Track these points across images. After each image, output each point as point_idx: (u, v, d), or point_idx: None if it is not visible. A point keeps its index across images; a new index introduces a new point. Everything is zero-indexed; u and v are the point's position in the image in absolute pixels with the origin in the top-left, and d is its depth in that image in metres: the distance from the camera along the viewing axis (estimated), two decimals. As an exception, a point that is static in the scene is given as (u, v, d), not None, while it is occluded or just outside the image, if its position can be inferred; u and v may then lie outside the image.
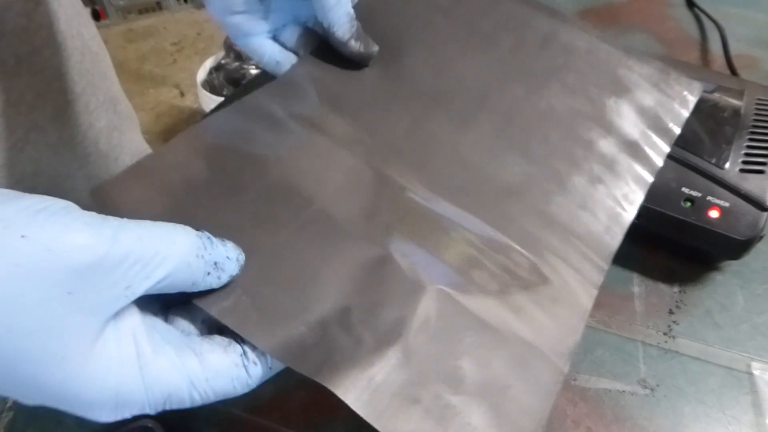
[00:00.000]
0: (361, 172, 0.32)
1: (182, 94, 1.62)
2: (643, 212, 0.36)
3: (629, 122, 0.35)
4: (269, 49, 0.38)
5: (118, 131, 0.58)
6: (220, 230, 0.26)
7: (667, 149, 0.35)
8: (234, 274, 0.25)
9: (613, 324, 0.36)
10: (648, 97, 0.37)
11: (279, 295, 0.26)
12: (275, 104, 0.35)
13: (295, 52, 0.39)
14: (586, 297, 0.29)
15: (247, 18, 0.37)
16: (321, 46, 0.38)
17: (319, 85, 0.36)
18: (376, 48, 0.37)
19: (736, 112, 0.38)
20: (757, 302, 0.37)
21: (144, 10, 1.80)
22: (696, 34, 0.55)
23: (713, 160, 0.35)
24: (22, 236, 0.20)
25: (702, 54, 0.53)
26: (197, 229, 0.24)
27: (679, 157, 0.36)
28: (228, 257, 0.25)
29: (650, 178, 0.34)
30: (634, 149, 0.34)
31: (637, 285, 0.37)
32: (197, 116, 1.51)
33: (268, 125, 0.34)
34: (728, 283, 0.38)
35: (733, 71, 0.50)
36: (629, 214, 0.33)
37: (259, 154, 0.32)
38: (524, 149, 0.35)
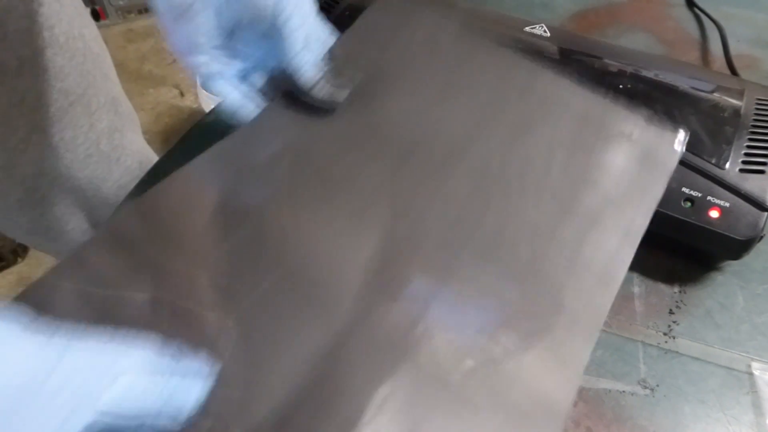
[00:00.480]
0: (327, 233, 0.31)
1: (182, 94, 1.62)
2: (643, 212, 0.36)
3: (612, 178, 0.34)
4: (232, 93, 0.36)
5: (119, 132, 0.58)
6: (173, 306, 0.25)
7: (653, 206, 0.33)
8: (200, 395, 0.22)
9: (613, 324, 0.36)
10: (631, 150, 0.35)
11: (217, 389, 0.23)
12: (239, 157, 0.33)
13: (262, 97, 0.37)
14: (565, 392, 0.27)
15: (212, 59, 0.36)
16: (292, 96, 0.36)
17: (287, 134, 0.35)
18: (344, 94, 0.36)
19: (736, 112, 0.38)
20: (757, 302, 0.37)
21: (144, 10, 1.80)
22: (696, 34, 0.55)
23: (713, 160, 0.35)
24: None
25: (702, 54, 0.53)
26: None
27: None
28: (197, 375, 0.22)
29: (638, 236, 0.31)
30: (618, 206, 0.33)
31: (637, 285, 0.37)
32: (197, 116, 1.51)
33: (233, 178, 0.32)
34: (728, 283, 0.38)
35: (733, 71, 0.50)
36: (619, 272, 0.31)
37: (222, 213, 0.30)
38: (501, 208, 0.33)
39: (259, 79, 0.37)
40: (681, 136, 0.36)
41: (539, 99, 0.37)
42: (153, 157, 0.66)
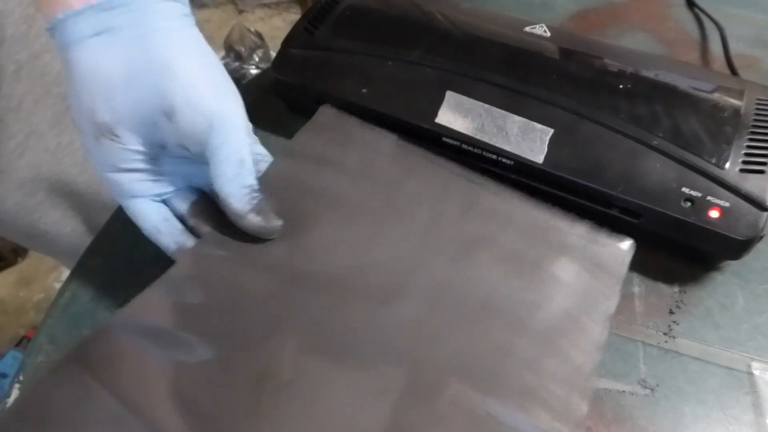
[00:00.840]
0: (265, 378, 0.29)
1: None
2: (643, 212, 0.36)
3: (562, 292, 0.33)
4: (153, 215, 0.34)
5: None
6: None
7: (608, 313, 0.33)
8: None
9: (612, 324, 0.36)
10: (578, 262, 0.35)
11: None
12: (169, 305, 0.31)
13: (183, 222, 0.35)
14: None
15: (134, 177, 0.33)
16: (221, 222, 0.34)
17: (219, 271, 0.33)
18: (278, 222, 0.34)
19: (736, 112, 0.38)
20: (757, 302, 0.37)
21: (144, 10, 1.80)
22: (696, 34, 0.55)
23: (713, 160, 0.35)
24: None
25: (702, 54, 0.53)
26: None
27: (679, 157, 0.36)
28: None
29: (598, 351, 0.31)
30: (572, 320, 0.32)
31: (637, 285, 0.37)
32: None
33: (159, 339, 0.30)
34: (728, 283, 0.38)
35: (733, 71, 0.50)
36: (590, 381, 0.30)
37: (150, 373, 0.29)
38: (452, 335, 0.32)
39: (182, 203, 0.35)
40: (628, 243, 0.36)
41: (484, 214, 0.37)
42: None
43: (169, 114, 0.31)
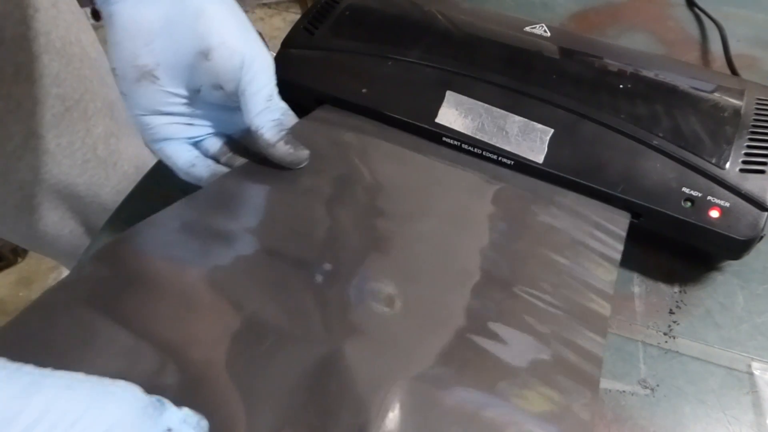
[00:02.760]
0: (292, 273, 0.30)
1: (182, 94, 1.62)
2: (643, 212, 0.36)
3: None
4: (185, 154, 0.37)
5: (116, 137, 0.58)
6: (144, 360, 0.24)
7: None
8: None
9: (613, 324, 0.36)
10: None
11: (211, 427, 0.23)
12: (200, 216, 0.33)
13: (216, 159, 0.37)
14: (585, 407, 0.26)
15: (169, 120, 0.36)
16: (252, 160, 0.37)
17: (247, 195, 0.36)
18: (306, 152, 0.37)
19: (736, 112, 0.38)
20: (757, 302, 0.37)
21: (144, 10, 1.80)
22: (696, 34, 0.55)
23: (713, 160, 0.35)
24: None
25: (702, 54, 0.53)
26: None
27: (679, 157, 0.36)
28: (185, 422, 0.21)
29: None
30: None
31: (637, 285, 0.37)
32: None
33: (191, 237, 0.32)
34: (728, 283, 0.38)
35: (733, 71, 0.50)
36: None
37: (183, 268, 0.30)
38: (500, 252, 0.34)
39: (213, 145, 0.38)
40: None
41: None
42: (150, 161, 0.66)
43: (205, 53, 0.33)
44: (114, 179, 0.59)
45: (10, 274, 1.31)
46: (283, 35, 0.45)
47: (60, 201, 0.56)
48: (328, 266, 0.31)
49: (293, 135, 0.37)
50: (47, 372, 0.18)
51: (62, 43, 0.49)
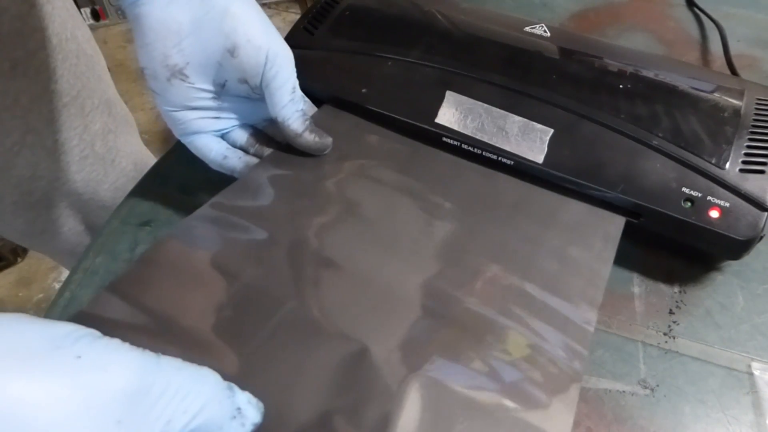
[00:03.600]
0: (326, 267, 0.33)
1: (182, 94, 1.62)
2: (643, 212, 0.36)
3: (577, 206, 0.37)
4: (216, 146, 0.39)
5: (113, 134, 0.59)
6: (190, 352, 0.26)
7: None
8: (256, 422, 0.24)
9: (613, 324, 0.36)
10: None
11: None
12: (237, 208, 0.36)
13: (245, 150, 0.40)
14: (573, 384, 0.29)
15: (199, 115, 0.38)
16: (279, 148, 0.39)
17: (280, 183, 0.37)
18: (330, 138, 0.39)
19: (736, 112, 0.38)
20: (757, 302, 0.37)
21: (144, 10, 1.80)
22: (696, 34, 0.55)
23: (713, 160, 0.35)
24: (78, 357, 0.20)
25: (702, 54, 0.53)
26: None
27: (679, 157, 0.36)
28: (249, 403, 0.24)
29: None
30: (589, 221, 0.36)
31: (637, 285, 0.37)
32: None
33: (233, 230, 0.34)
34: (728, 283, 0.38)
35: (733, 71, 0.50)
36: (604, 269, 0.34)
37: (225, 261, 0.32)
38: (486, 229, 0.36)
39: (240, 136, 0.40)
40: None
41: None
42: (149, 158, 0.66)
43: (232, 50, 0.35)
44: (112, 176, 0.60)
45: (10, 275, 1.30)
46: (283, 35, 0.45)
47: (58, 198, 0.56)
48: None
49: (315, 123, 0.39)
50: (159, 356, 0.22)
51: (58, 39, 0.49)
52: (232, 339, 0.28)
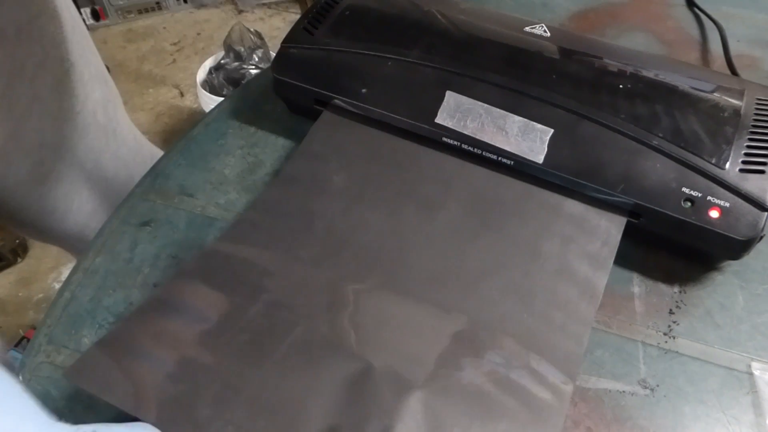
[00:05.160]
0: (335, 289, 0.34)
1: (182, 94, 1.62)
2: (643, 212, 0.36)
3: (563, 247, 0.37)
4: None
5: (112, 104, 0.61)
6: (208, 374, 0.28)
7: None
8: None
9: (613, 324, 0.36)
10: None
11: (269, 427, 0.27)
12: (242, 240, 0.36)
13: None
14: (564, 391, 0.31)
15: None
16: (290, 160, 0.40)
17: (290, 204, 0.38)
18: None
19: (736, 112, 0.38)
20: (757, 302, 0.37)
21: (143, 10, 1.80)
22: (696, 34, 0.55)
23: (713, 160, 0.35)
24: None
25: (702, 54, 0.53)
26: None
27: (679, 157, 0.36)
28: None
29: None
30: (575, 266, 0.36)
31: (637, 285, 0.37)
32: (197, 116, 1.51)
33: (248, 257, 0.35)
34: (728, 283, 0.38)
35: (733, 71, 0.50)
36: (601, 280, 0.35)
37: (239, 287, 0.33)
38: (491, 229, 0.37)
39: None
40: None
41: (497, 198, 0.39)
42: (141, 138, 0.68)
43: None
44: (113, 145, 0.62)
45: (10, 275, 1.30)
46: (283, 35, 0.45)
47: (65, 169, 0.58)
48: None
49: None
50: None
51: (55, 5, 0.51)
52: (245, 360, 0.30)
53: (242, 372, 0.29)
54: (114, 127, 0.61)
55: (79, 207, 0.62)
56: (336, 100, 0.42)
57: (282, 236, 0.36)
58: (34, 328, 1.19)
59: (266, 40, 1.52)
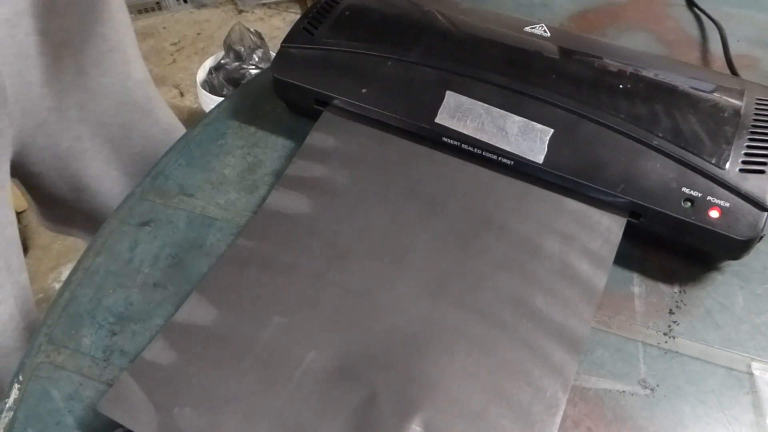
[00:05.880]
0: (339, 309, 0.34)
1: (182, 94, 1.62)
2: (643, 212, 0.36)
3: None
4: None
5: (153, 86, 0.63)
6: (225, 405, 0.30)
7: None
8: None
9: (613, 324, 0.36)
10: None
11: None
12: (255, 247, 0.37)
13: None
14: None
15: None
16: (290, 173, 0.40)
17: (295, 216, 0.38)
18: None
19: (735, 112, 0.38)
20: (757, 302, 0.37)
21: (143, 10, 1.80)
22: (696, 34, 0.55)
23: (713, 160, 0.35)
24: None
25: (702, 54, 0.53)
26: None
27: (679, 157, 0.36)
28: None
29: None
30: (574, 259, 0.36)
31: (637, 285, 0.37)
32: (197, 116, 1.51)
33: (253, 274, 0.36)
34: (728, 283, 0.38)
35: (733, 71, 0.50)
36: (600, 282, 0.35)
37: (250, 315, 0.34)
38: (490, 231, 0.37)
39: None
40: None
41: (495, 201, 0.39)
42: (176, 122, 0.69)
43: None
44: (146, 124, 0.62)
45: (10, 274, 1.30)
46: (283, 35, 0.45)
47: (99, 147, 0.59)
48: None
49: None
50: None
51: None
52: (261, 391, 0.31)
53: (258, 402, 0.30)
54: (151, 107, 0.62)
55: (110, 189, 0.62)
56: (336, 100, 0.42)
57: (286, 246, 0.37)
58: (34, 328, 1.18)
59: (266, 40, 1.52)
